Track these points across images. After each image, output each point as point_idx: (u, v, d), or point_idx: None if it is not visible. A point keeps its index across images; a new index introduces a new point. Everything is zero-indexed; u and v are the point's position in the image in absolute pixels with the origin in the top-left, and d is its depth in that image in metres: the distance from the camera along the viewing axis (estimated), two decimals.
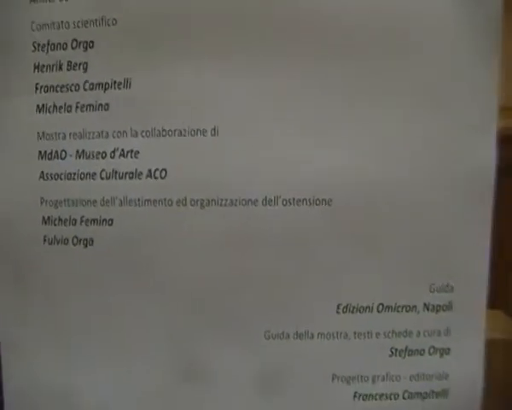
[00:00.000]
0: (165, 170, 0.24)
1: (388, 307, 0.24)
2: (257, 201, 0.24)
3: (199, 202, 0.24)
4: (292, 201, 0.24)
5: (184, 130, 0.24)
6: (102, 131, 0.24)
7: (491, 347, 0.27)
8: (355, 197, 0.24)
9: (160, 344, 0.24)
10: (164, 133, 0.24)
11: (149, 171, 0.24)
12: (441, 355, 0.25)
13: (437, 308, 0.25)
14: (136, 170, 0.24)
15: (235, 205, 0.24)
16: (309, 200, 0.24)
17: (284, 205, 0.24)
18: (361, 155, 0.24)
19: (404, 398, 0.25)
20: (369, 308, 0.24)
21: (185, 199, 0.24)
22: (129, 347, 0.25)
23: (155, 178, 0.24)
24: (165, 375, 0.25)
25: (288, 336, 0.24)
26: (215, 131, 0.24)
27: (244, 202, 0.24)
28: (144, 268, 0.24)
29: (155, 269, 0.24)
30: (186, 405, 0.25)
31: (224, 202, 0.24)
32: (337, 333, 0.24)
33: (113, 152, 0.24)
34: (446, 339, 0.25)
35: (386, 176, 0.24)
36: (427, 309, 0.25)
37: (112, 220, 0.24)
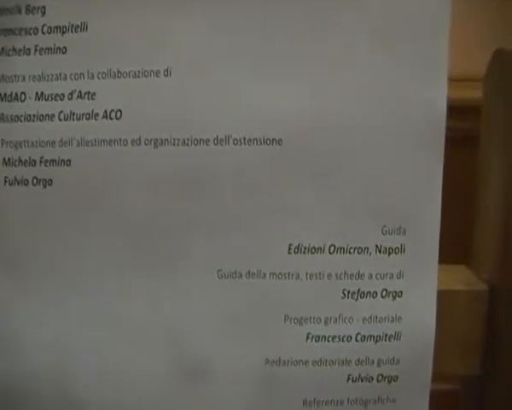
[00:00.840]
0: (120, 111, 0.24)
1: (340, 249, 0.25)
2: (208, 140, 0.24)
3: (152, 142, 0.24)
4: (242, 140, 0.24)
5: (138, 71, 0.24)
6: (60, 74, 0.25)
7: (454, 298, 0.28)
8: (305, 138, 0.24)
9: (114, 284, 0.25)
10: (119, 75, 0.24)
11: (105, 112, 0.24)
12: (394, 298, 0.25)
13: (389, 251, 0.25)
14: (92, 111, 0.25)
15: (187, 145, 0.24)
16: (259, 139, 0.24)
17: (235, 144, 0.24)
18: (312, 96, 0.24)
19: (356, 340, 0.25)
20: (320, 249, 0.25)
21: (139, 139, 0.24)
22: (85, 286, 0.25)
23: (111, 118, 0.24)
24: (118, 311, 0.25)
25: (241, 275, 0.25)
26: (168, 72, 0.24)
27: (196, 142, 0.24)
28: (100, 208, 0.25)
29: (111, 209, 0.25)
30: (139, 338, 0.25)
31: (176, 142, 0.24)
32: (289, 274, 0.25)
33: (71, 94, 0.25)
34: (399, 282, 0.25)
35: (338, 118, 0.24)
36: (380, 251, 0.25)
37: (70, 161, 0.25)
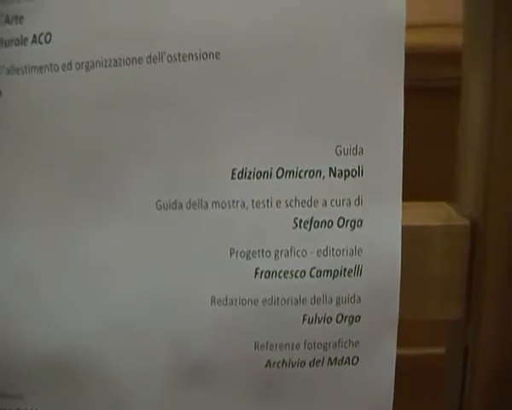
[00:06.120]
0: (50, 34, 0.23)
1: (289, 173, 0.22)
2: (141, 59, 0.22)
3: (84, 65, 0.22)
4: (177, 56, 0.22)
5: None
6: None
7: (433, 234, 0.25)
8: (245, 49, 0.22)
9: (50, 214, 0.23)
10: None
11: (34, 36, 0.23)
12: (352, 228, 0.22)
13: (345, 174, 0.22)
14: (21, 36, 0.23)
15: (120, 65, 0.22)
16: (195, 54, 0.22)
17: (169, 62, 0.22)
18: (251, 5, 0.22)
19: (311, 276, 0.22)
20: (267, 174, 0.22)
21: (70, 63, 0.23)
22: (19, 220, 0.23)
23: (40, 43, 0.23)
24: (50, 240, 0.23)
25: (181, 206, 0.22)
26: None
27: (128, 62, 0.22)
28: (33, 138, 0.23)
29: (44, 138, 0.23)
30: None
31: (108, 63, 0.22)
32: (233, 202, 0.22)
33: None
34: (358, 209, 0.22)
35: (280, 27, 0.22)
36: (334, 175, 0.22)
37: (0, 92, 0.23)
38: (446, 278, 0.25)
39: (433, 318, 0.25)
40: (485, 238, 0.24)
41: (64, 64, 0.23)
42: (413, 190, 0.24)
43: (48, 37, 0.23)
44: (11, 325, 0.24)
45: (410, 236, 0.23)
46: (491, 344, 0.25)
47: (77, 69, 0.23)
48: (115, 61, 0.22)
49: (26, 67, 0.23)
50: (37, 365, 0.24)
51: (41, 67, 0.23)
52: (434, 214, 0.25)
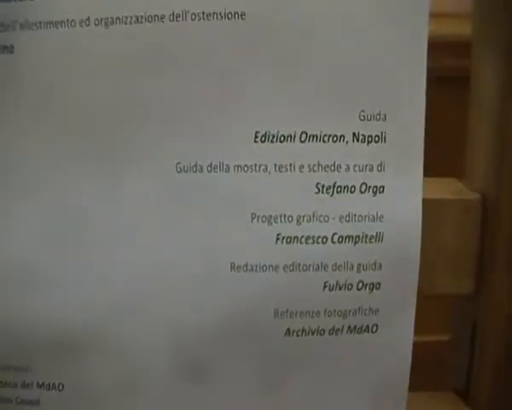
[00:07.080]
0: None
1: (313, 137, 0.22)
2: (163, 17, 0.22)
3: (103, 22, 0.22)
4: (201, 15, 0.22)
5: None
6: None
7: (444, 208, 0.25)
8: (272, 10, 0.22)
9: (67, 177, 0.22)
10: None
11: None
12: (374, 193, 0.22)
13: (368, 139, 0.22)
14: None
15: (141, 22, 0.22)
16: (220, 13, 0.21)
17: (193, 20, 0.22)
18: None
19: (333, 242, 0.22)
20: (290, 137, 0.22)
21: (88, 19, 0.22)
22: (34, 183, 0.22)
23: None
24: (58, 205, 0.22)
25: (202, 168, 0.22)
26: None
27: (150, 19, 0.22)
28: (47, 98, 0.22)
29: (59, 97, 0.22)
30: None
31: (129, 20, 0.22)
32: (255, 166, 0.22)
33: None
34: (380, 175, 0.22)
35: None
36: (357, 140, 0.22)
37: (12, 47, 0.22)
38: (458, 252, 0.25)
39: (445, 292, 0.25)
40: (496, 213, 0.25)
41: (82, 20, 0.22)
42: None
43: None
44: (15, 300, 0.23)
45: (423, 209, 0.23)
46: (501, 319, 0.25)
47: (95, 25, 0.22)
48: (136, 18, 0.22)
49: (40, 22, 0.22)
50: (41, 339, 0.23)
51: (57, 23, 0.22)
52: (446, 189, 0.25)
